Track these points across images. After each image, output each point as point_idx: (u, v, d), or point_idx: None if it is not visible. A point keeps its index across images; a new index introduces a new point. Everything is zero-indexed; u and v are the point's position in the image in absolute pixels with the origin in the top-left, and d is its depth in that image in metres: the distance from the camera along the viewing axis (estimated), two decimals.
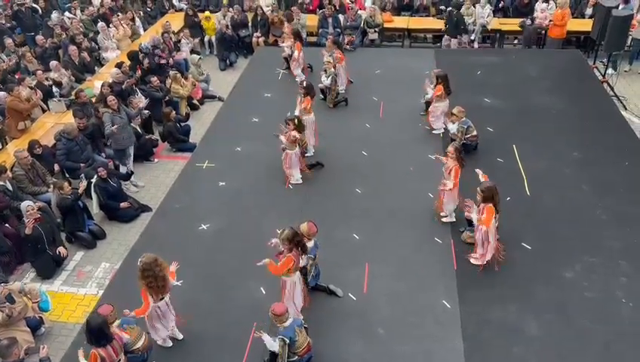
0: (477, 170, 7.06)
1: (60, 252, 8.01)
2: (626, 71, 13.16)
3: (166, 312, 5.70)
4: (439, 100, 9.06)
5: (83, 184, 8.43)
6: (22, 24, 14.89)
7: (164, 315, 5.70)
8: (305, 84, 8.83)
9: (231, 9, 15.20)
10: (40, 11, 15.52)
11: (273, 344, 5.28)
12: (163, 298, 5.60)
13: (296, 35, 11.31)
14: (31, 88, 10.66)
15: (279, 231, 5.82)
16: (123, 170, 9.79)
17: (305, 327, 5.54)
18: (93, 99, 10.67)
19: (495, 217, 6.41)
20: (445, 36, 14.22)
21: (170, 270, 5.71)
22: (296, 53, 11.09)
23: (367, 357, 5.71)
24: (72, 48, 12.53)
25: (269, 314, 5.36)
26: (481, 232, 6.47)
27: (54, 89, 11.30)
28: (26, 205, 7.79)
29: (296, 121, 7.97)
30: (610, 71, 12.22)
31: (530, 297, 6.29)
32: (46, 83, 11.34)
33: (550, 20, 13.53)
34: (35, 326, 6.82)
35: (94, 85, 11.44)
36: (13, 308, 6.48)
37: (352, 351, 5.77)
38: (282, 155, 8.17)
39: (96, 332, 4.98)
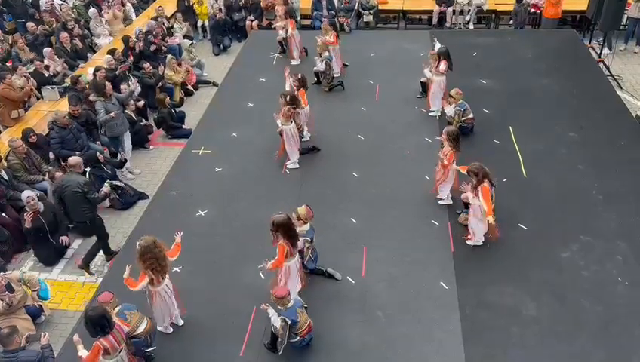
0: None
1: (62, 241, 8.01)
2: (621, 50, 13.13)
3: (170, 295, 5.69)
4: (439, 75, 8.98)
5: None
6: (12, 11, 14.68)
7: (170, 297, 5.68)
8: (299, 77, 8.70)
9: None
10: None
11: (277, 319, 5.32)
12: (165, 278, 5.57)
13: (289, 14, 11.20)
14: (25, 77, 10.55)
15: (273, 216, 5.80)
16: (123, 156, 9.73)
17: (305, 307, 5.58)
18: (87, 86, 10.58)
19: (492, 196, 6.43)
20: (435, 8, 14.10)
21: (177, 240, 5.75)
22: (289, 31, 10.98)
23: (367, 340, 5.75)
24: (64, 35, 12.38)
25: (271, 298, 5.38)
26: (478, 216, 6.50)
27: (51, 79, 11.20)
28: (26, 196, 7.74)
29: (288, 96, 7.92)
30: (605, 50, 12.17)
31: (527, 278, 6.34)
32: (45, 73, 11.20)
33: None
34: (34, 314, 6.85)
35: (88, 72, 11.35)
36: (12, 296, 6.50)
37: (352, 333, 5.82)
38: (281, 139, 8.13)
39: (100, 321, 4.88)
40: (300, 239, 6.01)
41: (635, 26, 13.03)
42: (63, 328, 6.88)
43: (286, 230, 5.66)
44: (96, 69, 10.37)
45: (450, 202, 7.38)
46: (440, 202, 7.42)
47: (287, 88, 8.58)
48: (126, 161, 9.64)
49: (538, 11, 13.86)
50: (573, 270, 6.42)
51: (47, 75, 11.19)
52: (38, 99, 11.06)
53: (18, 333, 5.94)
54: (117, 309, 5.40)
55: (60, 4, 14.52)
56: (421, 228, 7.11)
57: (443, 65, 8.81)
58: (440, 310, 6.03)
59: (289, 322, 5.29)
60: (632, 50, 13.21)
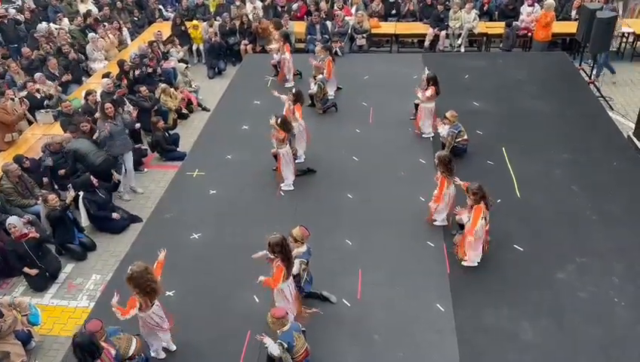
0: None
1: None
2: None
3: (159, 320, 5.60)
4: (428, 101, 9.07)
5: (71, 194, 8.34)
6: (5, 36, 14.74)
7: (159, 323, 5.60)
8: (294, 91, 8.84)
9: (218, 17, 15.19)
10: (23, 23, 15.37)
11: (275, 347, 5.23)
12: (154, 303, 5.50)
13: (285, 38, 11.34)
14: (12, 100, 10.54)
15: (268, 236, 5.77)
16: (116, 177, 9.64)
17: (303, 331, 5.51)
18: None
19: (485, 218, 6.44)
20: (429, 31, 14.31)
21: (160, 258, 5.77)
22: (287, 55, 11.09)
23: None
24: (52, 62, 12.38)
25: (267, 319, 5.29)
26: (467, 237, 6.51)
27: (45, 102, 11.19)
28: (8, 223, 7.62)
29: (279, 120, 7.94)
30: (604, 70, 12.32)
31: (523, 299, 6.30)
32: (37, 95, 11.21)
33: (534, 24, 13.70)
34: (24, 339, 6.71)
35: (82, 96, 11.36)
36: (2, 321, 6.39)
37: (348, 357, 5.74)
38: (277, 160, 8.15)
39: (88, 347, 4.86)
40: (297, 261, 5.96)
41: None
42: (54, 354, 6.75)
43: (281, 251, 5.63)
44: (88, 93, 10.37)
45: (446, 223, 7.37)
46: (435, 223, 7.40)
47: (285, 108, 8.63)
48: (119, 182, 9.55)
49: (529, 34, 14.06)
50: (569, 291, 6.39)
51: (39, 98, 11.20)
52: (30, 123, 11.04)
53: (9, 359, 5.83)
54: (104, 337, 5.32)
55: (57, 29, 14.59)
56: (416, 250, 7.08)
57: (429, 92, 8.92)
58: (437, 333, 5.96)
59: (285, 346, 5.21)
60: (621, 73, 13.32)
